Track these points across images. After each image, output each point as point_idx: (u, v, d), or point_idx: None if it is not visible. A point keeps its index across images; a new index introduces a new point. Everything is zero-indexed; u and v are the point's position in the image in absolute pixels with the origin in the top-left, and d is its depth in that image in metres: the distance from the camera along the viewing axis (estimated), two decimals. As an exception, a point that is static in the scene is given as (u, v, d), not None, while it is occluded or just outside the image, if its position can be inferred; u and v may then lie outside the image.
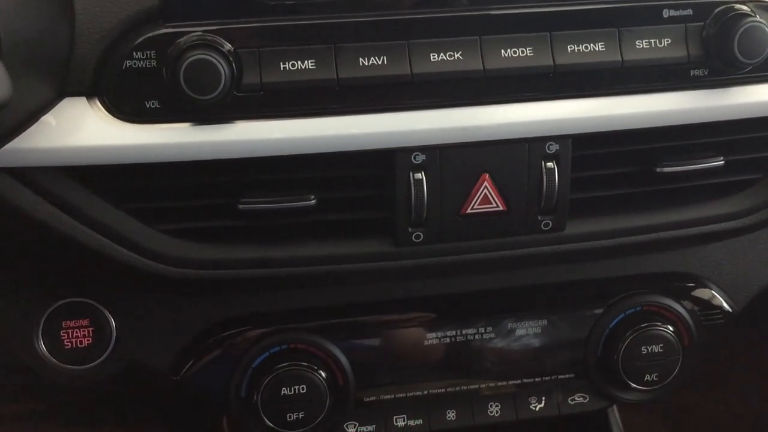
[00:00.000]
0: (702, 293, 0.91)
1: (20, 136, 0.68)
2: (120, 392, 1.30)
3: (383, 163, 0.75)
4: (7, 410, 1.39)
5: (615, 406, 1.08)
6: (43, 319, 0.82)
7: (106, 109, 0.70)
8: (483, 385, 0.89)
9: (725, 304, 0.92)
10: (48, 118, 0.69)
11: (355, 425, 0.88)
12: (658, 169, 0.80)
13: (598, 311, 0.89)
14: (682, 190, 0.83)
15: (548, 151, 0.77)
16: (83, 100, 0.70)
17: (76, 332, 0.82)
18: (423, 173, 0.75)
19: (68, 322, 0.82)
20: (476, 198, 0.78)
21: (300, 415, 0.83)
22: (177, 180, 0.74)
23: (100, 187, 0.73)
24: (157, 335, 0.84)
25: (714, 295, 0.92)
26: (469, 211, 0.78)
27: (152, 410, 1.46)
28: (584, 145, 0.78)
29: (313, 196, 0.76)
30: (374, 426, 0.88)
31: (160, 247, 0.76)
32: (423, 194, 0.76)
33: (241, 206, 0.75)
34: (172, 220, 0.76)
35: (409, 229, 0.77)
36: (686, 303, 0.90)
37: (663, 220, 0.83)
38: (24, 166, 0.70)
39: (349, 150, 0.74)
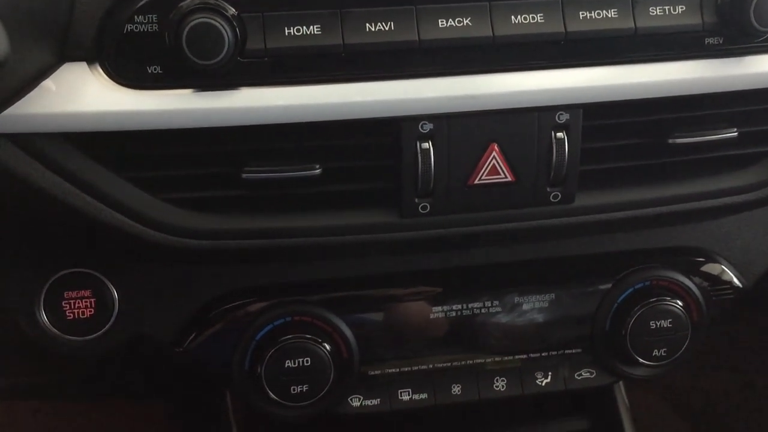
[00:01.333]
0: (712, 268, 0.90)
1: (20, 101, 0.67)
2: (122, 369, 1.30)
3: (390, 132, 0.74)
4: (8, 384, 1.38)
5: (621, 384, 1.07)
6: (45, 289, 0.81)
7: (107, 75, 0.69)
8: (489, 360, 0.88)
9: (735, 280, 0.90)
10: (48, 84, 0.68)
11: (359, 399, 0.87)
12: (670, 141, 0.79)
13: (607, 285, 0.88)
14: (694, 163, 0.81)
15: (558, 121, 0.75)
16: (84, 65, 0.69)
17: (78, 303, 0.81)
18: (430, 143, 0.74)
19: (70, 292, 0.81)
20: (484, 168, 0.76)
21: (304, 388, 0.82)
22: (179, 148, 0.73)
23: (102, 155, 0.72)
24: (160, 307, 0.83)
25: (724, 270, 0.90)
26: (476, 181, 0.76)
27: (154, 387, 1.46)
28: (595, 116, 0.76)
29: (318, 166, 0.74)
30: (379, 400, 0.87)
31: (163, 217, 0.74)
32: (430, 164, 0.74)
33: (244, 175, 0.73)
34: (174, 188, 0.75)
35: (416, 200, 0.76)
36: (696, 278, 0.89)
37: (674, 192, 0.81)
38: (24, 132, 0.69)
39: (355, 118, 0.72)
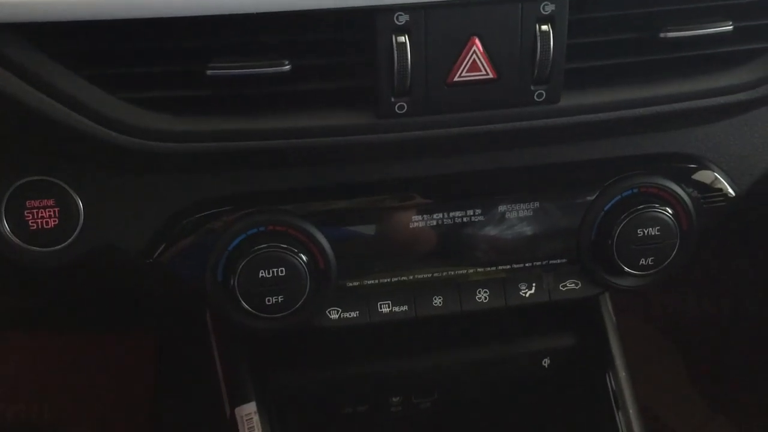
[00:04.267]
0: (704, 176, 0.86)
1: (-38, -12, 0.63)
2: (107, 298, 1.27)
3: (363, 24, 0.69)
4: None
5: (609, 302, 1.05)
6: (6, 197, 0.77)
7: None
8: (471, 271, 0.85)
9: (728, 187, 0.87)
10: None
11: (337, 311, 0.84)
12: (662, 35, 0.74)
13: (593, 193, 0.84)
14: (686, 60, 0.77)
15: (543, 12, 0.70)
16: None
17: (41, 212, 0.78)
18: (406, 36, 0.69)
19: (32, 201, 0.77)
20: (464, 64, 0.72)
21: (279, 299, 0.79)
22: (137, 42, 0.68)
23: (55, 49, 0.68)
24: (128, 217, 0.79)
25: (716, 178, 0.87)
26: (456, 79, 0.72)
27: (139, 317, 1.45)
28: (582, 7, 0.72)
29: (287, 62, 0.70)
30: (357, 312, 0.84)
31: (123, 117, 0.70)
32: (406, 60, 0.70)
33: (209, 72, 0.69)
34: (134, 87, 0.70)
35: (392, 99, 0.72)
36: (686, 185, 0.85)
37: (665, 91, 0.77)
38: None
39: (325, 8, 0.68)
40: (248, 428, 0.92)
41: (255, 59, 0.70)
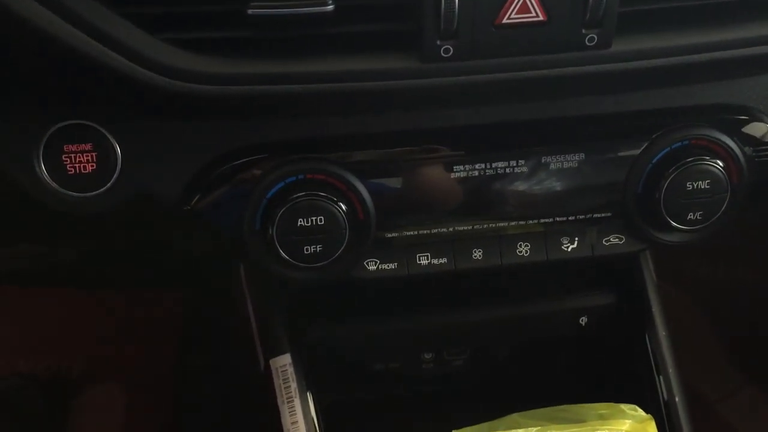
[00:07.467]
0: (756, 128, 0.83)
1: None
2: (140, 254, 1.28)
3: None
4: (26, 267, 1.38)
5: (650, 261, 1.03)
6: (44, 141, 0.76)
7: None
8: (512, 224, 0.83)
9: None
10: None
11: (376, 262, 0.83)
12: None
13: (641, 145, 0.81)
14: (744, 4, 0.74)
15: None
16: None
17: (79, 157, 0.77)
18: None
19: (70, 146, 0.76)
20: (514, 5, 0.69)
21: (317, 249, 0.78)
22: None
23: None
24: (166, 163, 0.78)
25: None
26: (505, 21, 0.69)
27: (170, 273, 1.45)
28: None
29: (330, 2, 0.68)
30: (396, 264, 0.83)
31: (163, 58, 0.69)
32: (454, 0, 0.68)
33: (250, 11, 0.67)
34: (175, 27, 0.69)
35: (438, 42, 0.70)
36: (738, 137, 0.82)
37: (721, 37, 0.74)
38: None
39: None
40: (283, 379, 0.92)
41: None
